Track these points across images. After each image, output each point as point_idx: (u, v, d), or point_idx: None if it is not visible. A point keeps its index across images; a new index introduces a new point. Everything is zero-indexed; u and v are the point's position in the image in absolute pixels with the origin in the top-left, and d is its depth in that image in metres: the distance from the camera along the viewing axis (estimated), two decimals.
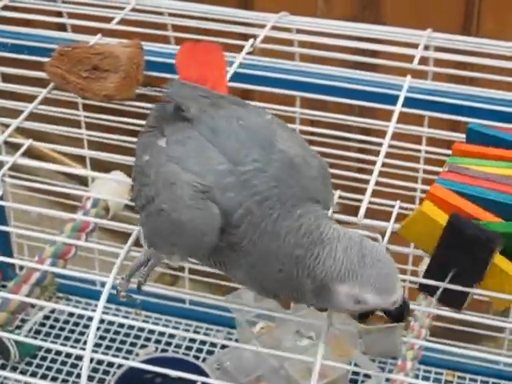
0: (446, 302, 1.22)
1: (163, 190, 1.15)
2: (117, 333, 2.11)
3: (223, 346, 2.03)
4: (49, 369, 2.02)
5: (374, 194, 1.36)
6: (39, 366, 2.02)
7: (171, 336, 2.10)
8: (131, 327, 2.12)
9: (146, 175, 1.20)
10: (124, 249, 1.28)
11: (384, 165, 1.40)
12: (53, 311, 2.15)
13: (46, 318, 2.14)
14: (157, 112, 1.29)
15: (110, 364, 2.01)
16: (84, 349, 1.22)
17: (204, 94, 1.26)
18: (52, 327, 2.13)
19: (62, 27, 1.85)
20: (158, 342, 2.10)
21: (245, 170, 1.12)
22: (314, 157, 1.20)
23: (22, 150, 1.49)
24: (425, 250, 1.24)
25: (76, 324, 2.13)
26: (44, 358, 2.04)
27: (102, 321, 1.24)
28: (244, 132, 1.17)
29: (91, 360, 1.22)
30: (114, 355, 2.04)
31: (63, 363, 2.03)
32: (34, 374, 1.99)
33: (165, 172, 1.16)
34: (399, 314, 1.12)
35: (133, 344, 2.08)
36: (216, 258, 1.16)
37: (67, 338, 2.10)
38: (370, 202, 1.33)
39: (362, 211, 1.30)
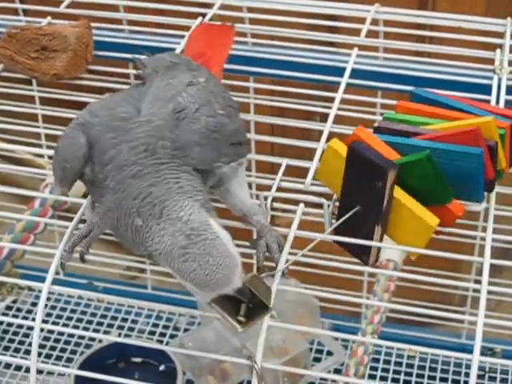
0: (354, 253, 1.20)
1: None
2: (79, 320, 2.10)
3: (186, 330, 2.04)
4: None
5: None
6: None
7: (134, 321, 2.10)
8: (94, 314, 2.12)
9: None
10: (72, 222, 1.28)
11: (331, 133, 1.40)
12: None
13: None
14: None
15: (73, 351, 2.02)
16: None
17: (173, 59, 1.30)
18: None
19: (14, 12, 1.84)
20: (120, 327, 2.09)
21: (138, 120, 1.16)
22: (220, 115, 1.20)
23: None
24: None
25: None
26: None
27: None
28: (162, 89, 1.21)
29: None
30: (76, 343, 2.04)
31: (15, 333, 2.06)
32: None
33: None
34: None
35: (96, 331, 2.07)
36: (91, 191, 1.21)
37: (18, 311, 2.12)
38: None
39: (309, 177, 1.30)
